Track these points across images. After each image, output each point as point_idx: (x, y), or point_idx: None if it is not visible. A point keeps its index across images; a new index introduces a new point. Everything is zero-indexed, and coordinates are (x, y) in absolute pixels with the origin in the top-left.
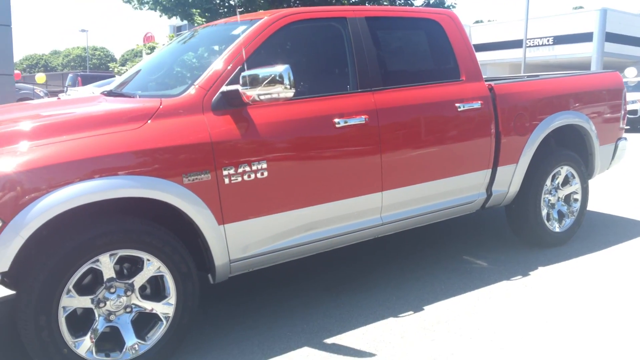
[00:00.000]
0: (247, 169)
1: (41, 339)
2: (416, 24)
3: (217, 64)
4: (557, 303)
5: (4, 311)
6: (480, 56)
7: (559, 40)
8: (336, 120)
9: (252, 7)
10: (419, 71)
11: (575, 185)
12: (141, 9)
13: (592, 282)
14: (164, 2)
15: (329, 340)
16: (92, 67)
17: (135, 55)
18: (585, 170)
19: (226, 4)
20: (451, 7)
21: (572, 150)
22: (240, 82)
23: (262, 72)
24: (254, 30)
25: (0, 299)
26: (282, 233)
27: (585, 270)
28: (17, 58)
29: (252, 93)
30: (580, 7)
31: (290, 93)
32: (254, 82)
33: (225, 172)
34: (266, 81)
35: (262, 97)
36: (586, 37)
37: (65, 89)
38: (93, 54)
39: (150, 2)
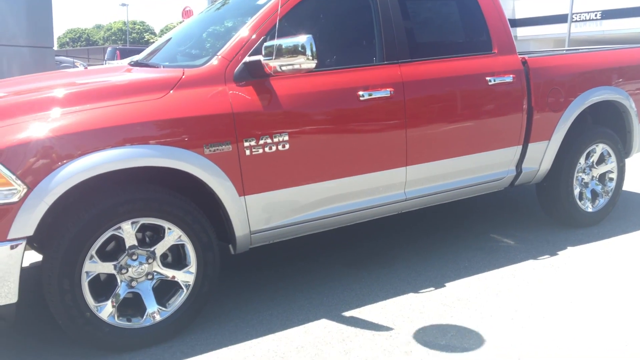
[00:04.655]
0: (269, 140)
1: (64, 302)
2: None
3: (240, 34)
4: (584, 284)
5: (35, 275)
6: (524, 31)
7: (608, 14)
8: (360, 92)
9: None
10: (448, 43)
11: (611, 164)
12: None
13: (622, 264)
14: None
15: (347, 313)
16: (132, 41)
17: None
18: (622, 149)
19: None
20: None
21: (609, 127)
22: (263, 52)
23: (284, 42)
24: None
25: (32, 263)
26: (304, 206)
27: (616, 251)
28: (60, 32)
29: (274, 64)
30: None
31: (312, 64)
32: (277, 52)
33: (246, 144)
34: (289, 52)
35: (284, 68)
36: (637, 12)
37: (104, 62)
38: (133, 28)
39: None
